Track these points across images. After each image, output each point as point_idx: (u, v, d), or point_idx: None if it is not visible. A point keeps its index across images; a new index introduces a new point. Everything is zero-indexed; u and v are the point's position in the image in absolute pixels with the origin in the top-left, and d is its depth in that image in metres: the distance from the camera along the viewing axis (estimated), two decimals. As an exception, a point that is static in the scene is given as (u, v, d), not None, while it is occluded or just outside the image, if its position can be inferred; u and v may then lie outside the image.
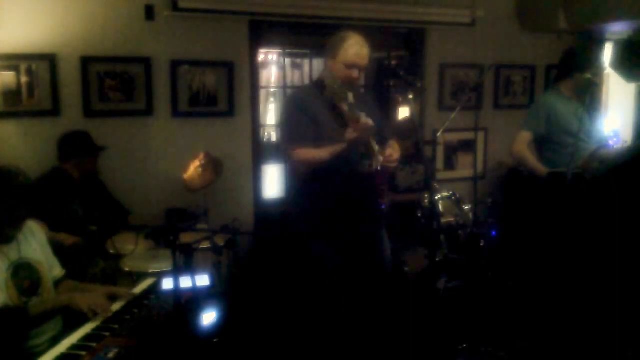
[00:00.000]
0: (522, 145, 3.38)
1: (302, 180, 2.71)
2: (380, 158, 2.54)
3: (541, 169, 3.28)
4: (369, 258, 2.83)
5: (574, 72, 3.30)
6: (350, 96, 2.42)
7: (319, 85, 2.54)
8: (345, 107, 2.45)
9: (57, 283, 2.29)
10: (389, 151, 2.58)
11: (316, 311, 2.93)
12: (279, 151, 2.65)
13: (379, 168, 2.52)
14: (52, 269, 2.29)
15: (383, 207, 2.69)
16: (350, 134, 2.39)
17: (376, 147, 2.56)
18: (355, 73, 2.57)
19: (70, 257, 2.65)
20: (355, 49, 2.54)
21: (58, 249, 2.41)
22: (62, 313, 2.14)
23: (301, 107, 2.61)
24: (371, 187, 2.62)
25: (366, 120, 2.37)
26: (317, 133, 2.56)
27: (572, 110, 3.28)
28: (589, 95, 3.21)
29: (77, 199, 3.17)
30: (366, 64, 2.59)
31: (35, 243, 2.22)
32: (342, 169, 2.56)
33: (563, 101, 3.30)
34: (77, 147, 3.21)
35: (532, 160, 3.34)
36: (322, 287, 2.78)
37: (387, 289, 2.95)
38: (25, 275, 2.11)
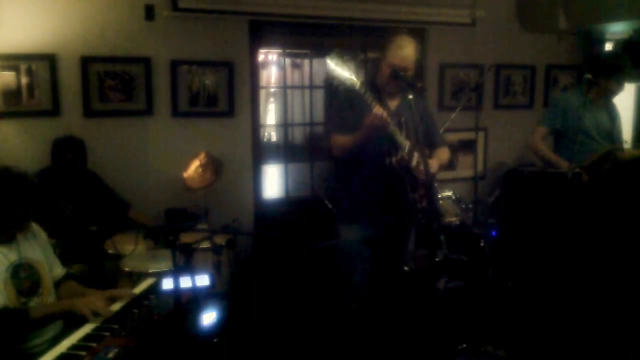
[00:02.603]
0: (537, 138, 3.56)
1: (340, 169, 2.91)
2: (404, 154, 2.63)
3: (556, 158, 3.39)
4: (386, 253, 2.86)
5: (599, 77, 3.39)
6: (359, 84, 2.49)
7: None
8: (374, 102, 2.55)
9: (58, 283, 2.30)
10: (429, 162, 2.67)
11: (319, 307, 2.96)
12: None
13: (393, 162, 2.63)
14: (52, 268, 2.29)
15: (418, 206, 2.74)
16: (365, 120, 2.52)
17: (406, 143, 2.65)
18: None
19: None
20: (396, 50, 2.66)
21: None
22: (62, 317, 2.15)
23: (349, 100, 2.74)
24: (398, 183, 2.67)
25: (379, 110, 2.48)
26: (356, 123, 2.66)
27: (589, 111, 3.37)
28: (589, 96, 3.23)
29: (65, 197, 3.16)
30: (407, 65, 2.66)
31: (35, 243, 2.23)
32: (369, 161, 2.71)
33: (581, 100, 3.35)
34: (56, 157, 3.20)
35: (547, 151, 3.52)
36: (337, 278, 2.88)
37: (389, 288, 2.95)
38: (25, 276, 2.11)
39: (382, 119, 2.48)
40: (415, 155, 2.68)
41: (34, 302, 2.12)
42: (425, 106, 2.94)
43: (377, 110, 2.47)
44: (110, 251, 3.02)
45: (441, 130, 3.90)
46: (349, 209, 2.85)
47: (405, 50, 2.65)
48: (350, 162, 2.79)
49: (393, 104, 2.77)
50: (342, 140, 2.72)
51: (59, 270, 2.34)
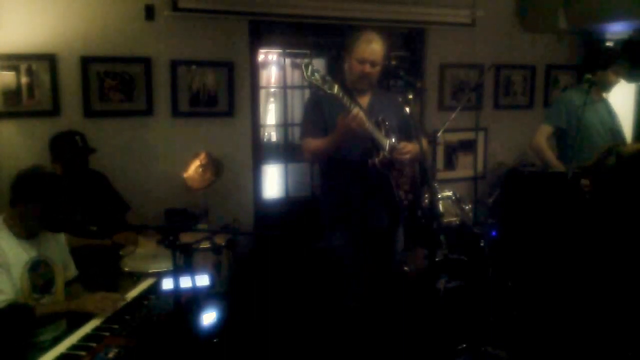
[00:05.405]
0: (541, 137, 3.57)
1: (323, 174, 2.89)
2: (386, 153, 2.62)
3: (556, 163, 3.40)
4: (378, 254, 2.85)
5: (597, 70, 3.42)
6: (337, 88, 2.45)
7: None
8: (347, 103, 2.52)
9: (68, 283, 2.34)
10: (402, 144, 2.66)
11: (319, 307, 2.95)
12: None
13: (376, 162, 2.61)
14: (66, 269, 2.33)
15: (403, 203, 2.75)
16: (340, 120, 2.49)
17: (386, 142, 2.64)
18: (367, 68, 2.66)
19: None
20: (365, 44, 2.64)
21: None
22: (67, 317, 2.17)
23: (317, 103, 2.75)
24: (383, 182, 2.66)
25: (357, 111, 2.44)
26: (328, 128, 2.66)
27: (592, 108, 3.38)
28: (589, 95, 3.23)
29: (74, 199, 3.13)
30: (377, 59, 2.66)
31: (54, 242, 2.27)
32: (350, 163, 2.68)
33: (583, 99, 3.36)
34: (62, 150, 3.13)
35: (549, 153, 3.53)
36: (333, 279, 2.87)
37: (388, 289, 2.95)
38: (41, 273, 2.15)
39: (359, 122, 2.44)
40: (395, 149, 2.65)
41: (45, 300, 2.16)
42: (398, 102, 2.93)
43: (355, 111, 2.43)
44: (120, 253, 3.01)
45: (440, 131, 3.92)
46: (333, 213, 2.82)
47: (374, 45, 2.65)
48: (333, 165, 2.75)
49: (364, 101, 2.76)
50: (314, 144, 2.69)
51: (71, 272, 2.37)
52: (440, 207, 3.74)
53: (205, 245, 2.11)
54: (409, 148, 2.67)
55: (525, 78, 5.08)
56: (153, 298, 2.25)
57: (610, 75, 3.49)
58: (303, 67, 2.39)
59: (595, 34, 4.95)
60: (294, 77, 5.28)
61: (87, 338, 1.89)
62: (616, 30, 4.76)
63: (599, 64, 3.49)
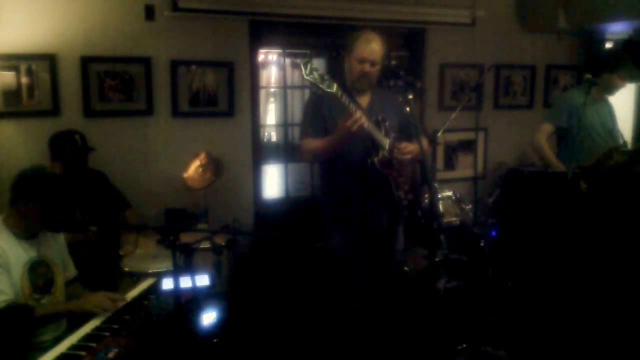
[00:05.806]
0: (542, 136, 3.59)
1: (322, 174, 2.89)
2: (385, 153, 2.63)
3: (556, 162, 3.40)
4: (378, 253, 2.85)
5: (601, 73, 3.42)
6: (335, 87, 2.46)
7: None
8: (348, 103, 2.53)
9: (68, 283, 2.34)
10: (403, 144, 2.67)
11: (319, 307, 2.94)
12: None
13: (375, 162, 2.62)
14: (66, 269, 2.33)
15: (403, 203, 2.76)
16: (341, 124, 2.49)
17: (385, 142, 2.65)
18: (366, 67, 2.67)
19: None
20: (364, 44, 2.66)
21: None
22: (67, 317, 2.18)
23: (317, 103, 2.76)
24: (383, 182, 2.67)
25: (359, 115, 2.44)
26: (328, 128, 2.67)
27: (593, 109, 3.39)
28: (590, 95, 3.23)
29: (74, 199, 3.13)
30: (376, 58, 2.68)
31: (54, 243, 2.28)
32: (349, 163, 2.69)
33: (584, 99, 3.36)
34: (62, 149, 3.15)
35: (549, 152, 3.54)
36: (333, 279, 2.87)
37: (388, 288, 2.95)
38: (41, 273, 2.16)
39: (359, 124, 2.44)
40: (396, 149, 2.66)
41: (45, 300, 2.16)
42: (398, 102, 2.93)
43: (358, 115, 2.43)
44: (120, 253, 3.01)
45: (440, 131, 3.92)
46: (333, 213, 2.82)
47: (373, 44, 2.66)
48: (333, 165, 2.75)
49: (364, 100, 2.77)
50: (314, 144, 2.69)
51: (71, 272, 2.38)
52: (440, 207, 3.74)
53: (205, 245, 2.11)
54: (410, 148, 2.67)
55: (525, 78, 5.08)
56: (153, 298, 2.25)
57: (617, 79, 3.48)
58: (302, 65, 2.39)
59: (595, 34, 4.95)
60: (294, 77, 5.27)
61: (87, 338, 1.89)
62: (616, 30, 4.76)
63: (605, 66, 3.48)
